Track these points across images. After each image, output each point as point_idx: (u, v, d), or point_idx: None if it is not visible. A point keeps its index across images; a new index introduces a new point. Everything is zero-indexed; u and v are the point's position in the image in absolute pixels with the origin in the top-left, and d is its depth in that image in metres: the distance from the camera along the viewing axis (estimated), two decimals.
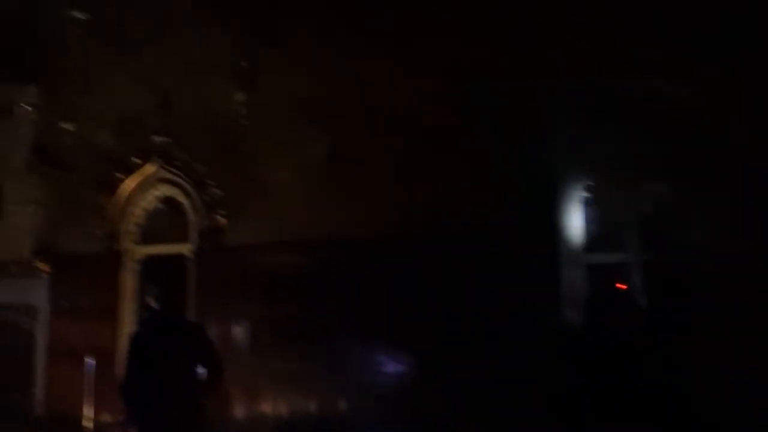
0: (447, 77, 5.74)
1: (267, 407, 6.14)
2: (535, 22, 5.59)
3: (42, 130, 7.01)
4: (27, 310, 7.05)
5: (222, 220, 6.40)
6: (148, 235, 6.88)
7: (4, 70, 7.00)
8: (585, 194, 5.58)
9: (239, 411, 6.22)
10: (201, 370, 4.39)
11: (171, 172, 6.68)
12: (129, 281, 6.74)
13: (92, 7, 7.02)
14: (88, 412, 6.43)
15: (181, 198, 6.65)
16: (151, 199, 6.81)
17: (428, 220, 5.65)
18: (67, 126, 6.90)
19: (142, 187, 6.77)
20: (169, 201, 6.78)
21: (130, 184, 6.77)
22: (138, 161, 6.75)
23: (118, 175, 6.76)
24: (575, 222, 5.56)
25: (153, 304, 4.50)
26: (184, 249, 6.59)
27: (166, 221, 6.77)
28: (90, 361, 6.45)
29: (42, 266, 6.97)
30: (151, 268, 6.69)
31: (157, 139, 6.68)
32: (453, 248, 5.60)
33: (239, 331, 6.39)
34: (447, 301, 5.46)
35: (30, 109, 7.03)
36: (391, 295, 5.64)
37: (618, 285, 5.25)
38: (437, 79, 5.76)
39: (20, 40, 7.10)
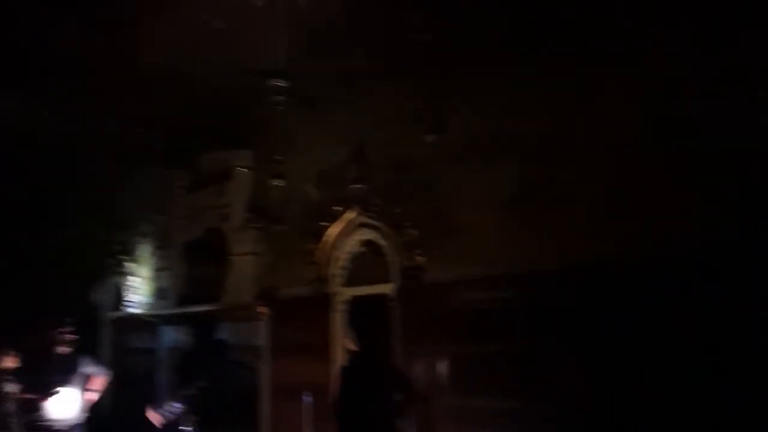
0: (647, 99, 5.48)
1: None
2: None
3: (256, 188, 7.85)
4: (251, 350, 7.81)
5: (420, 259, 6.62)
6: (353, 278, 7.29)
7: (223, 139, 7.97)
8: None
9: None
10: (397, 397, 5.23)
11: (369, 217, 7.08)
12: (338, 321, 7.19)
13: (290, 76, 7.79)
14: None
15: (381, 240, 7.00)
16: (353, 243, 7.24)
17: (636, 248, 5.32)
18: (277, 183, 7.63)
19: (345, 232, 7.23)
20: (370, 244, 7.15)
21: (334, 231, 7.26)
22: (339, 209, 7.25)
23: (323, 223, 7.31)
24: None
25: (353, 345, 5.50)
26: (387, 289, 6.89)
27: (368, 263, 7.15)
28: (307, 396, 6.91)
29: (262, 309, 7.71)
30: (351, 313, 7.02)
31: (355, 187, 7.14)
32: (671, 276, 5.18)
33: (443, 368, 6.51)
34: (674, 331, 5.06)
35: (246, 171, 7.92)
36: (603, 327, 5.39)
37: None
38: (632, 103, 5.53)
39: (232, 112, 8.06)
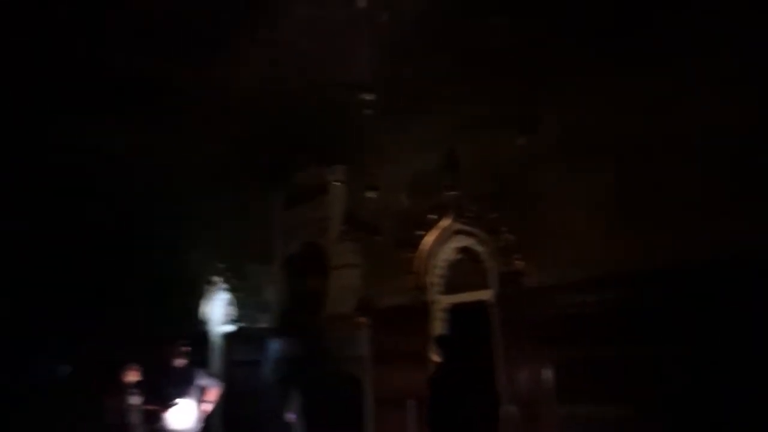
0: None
1: None
2: None
3: (351, 201, 8.02)
4: (354, 360, 7.93)
5: (519, 264, 6.52)
6: (451, 285, 7.26)
7: (317, 155, 8.20)
8: None
9: None
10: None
11: (464, 223, 7.05)
12: (438, 329, 7.16)
13: (377, 88, 7.91)
14: None
15: (477, 246, 6.95)
16: (449, 250, 7.21)
17: (740, 246, 5.03)
18: (370, 194, 7.76)
19: (441, 240, 7.22)
20: (466, 251, 7.11)
21: (429, 239, 7.27)
22: (434, 217, 7.26)
23: (418, 232, 7.35)
24: None
25: (440, 356, 5.93)
26: (486, 295, 6.83)
27: (466, 270, 7.11)
28: (412, 403, 6.92)
29: (362, 319, 7.82)
30: (439, 335, 6.96)
31: (448, 194, 7.14)
32: None
33: (547, 375, 6.36)
34: None
35: (340, 184, 8.11)
36: (710, 328, 5.13)
37: None
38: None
39: (324, 128, 8.28)
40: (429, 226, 7.29)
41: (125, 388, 6.55)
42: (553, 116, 6.47)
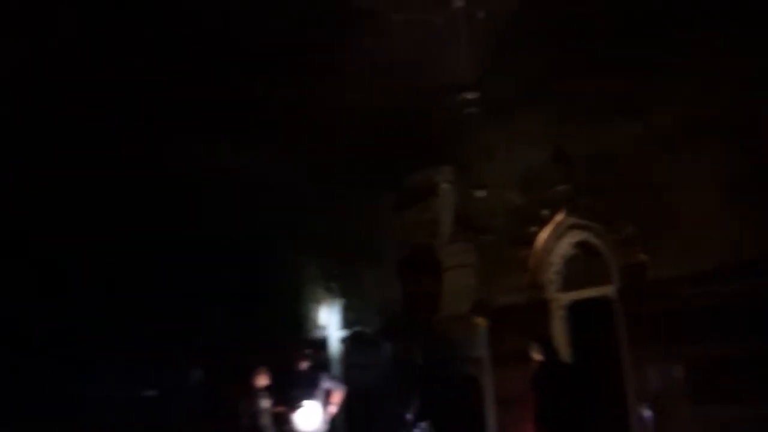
0: None
1: None
2: None
3: (461, 201, 8.00)
4: (472, 361, 7.88)
5: (642, 256, 6.26)
6: (569, 281, 7.08)
7: (424, 158, 8.25)
8: None
9: None
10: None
11: (579, 217, 6.86)
12: (558, 327, 7.01)
13: (479, 86, 7.85)
14: None
15: (595, 240, 6.74)
16: (565, 246, 7.04)
17: None
18: (480, 193, 7.71)
19: (556, 236, 7.06)
20: (583, 245, 6.91)
21: (543, 235, 7.13)
22: (546, 213, 7.11)
23: (531, 228, 7.22)
24: None
25: (539, 356, 6.12)
26: (608, 290, 6.60)
27: (584, 265, 6.91)
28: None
29: (479, 320, 7.77)
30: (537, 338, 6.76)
31: (560, 188, 6.98)
32: None
33: (679, 373, 6.05)
34: None
35: (448, 185, 8.12)
36: None
37: None
38: None
39: (431, 131, 8.31)
40: (542, 222, 7.15)
41: (256, 392, 6.88)
42: (667, 100, 6.16)
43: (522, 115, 7.38)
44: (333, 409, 7.29)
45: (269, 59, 7.42)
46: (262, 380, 6.98)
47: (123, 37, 6.96)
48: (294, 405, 6.94)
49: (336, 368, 9.55)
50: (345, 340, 10.25)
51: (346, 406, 8.40)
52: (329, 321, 10.51)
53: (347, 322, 10.21)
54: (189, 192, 9.66)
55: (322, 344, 9.43)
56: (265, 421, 6.93)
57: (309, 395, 6.99)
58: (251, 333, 9.65)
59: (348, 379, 7.87)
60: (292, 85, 7.82)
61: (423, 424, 7.27)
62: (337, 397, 7.27)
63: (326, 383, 7.23)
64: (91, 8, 6.60)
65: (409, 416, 7.30)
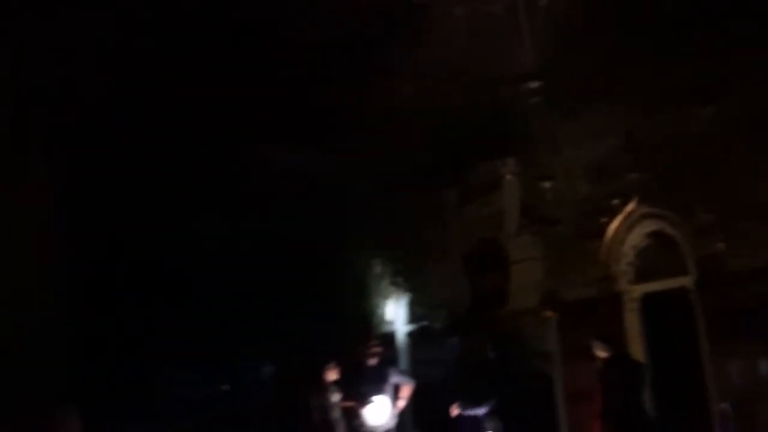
0: None
1: None
2: None
3: (527, 192, 7.86)
4: (542, 356, 7.74)
5: (720, 246, 5.98)
6: (643, 273, 6.85)
7: (487, 150, 8.15)
8: None
9: None
10: None
11: (652, 206, 6.62)
12: (631, 321, 6.80)
13: (542, 75, 7.68)
14: None
15: (669, 230, 6.49)
16: (638, 236, 6.81)
17: None
18: (546, 184, 7.56)
19: (627, 226, 6.84)
20: (657, 235, 6.68)
21: (614, 226, 6.92)
22: (617, 202, 6.90)
23: (601, 219, 7.02)
24: None
25: (604, 353, 6.04)
26: (685, 281, 6.35)
27: (658, 256, 6.68)
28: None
29: (548, 314, 7.62)
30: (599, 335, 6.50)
31: (631, 176, 6.75)
32: None
33: (763, 367, 5.76)
34: None
35: (513, 177, 7.99)
36: None
37: None
38: None
39: (493, 123, 8.19)
40: (613, 212, 6.93)
41: (327, 387, 6.97)
42: (742, 84, 5.86)
43: (588, 103, 7.19)
44: (402, 403, 7.30)
45: (330, 60, 7.50)
46: (332, 375, 7.05)
47: (202, 47, 7.20)
48: (364, 400, 6.99)
49: (403, 363, 9.57)
50: (411, 336, 10.27)
51: (414, 401, 8.41)
52: (396, 316, 10.56)
53: (414, 318, 10.21)
54: (260, 194, 9.92)
55: (389, 340, 9.46)
56: (336, 415, 7.00)
57: (378, 390, 7.03)
58: (321, 330, 9.79)
59: (414, 374, 7.86)
60: (352, 84, 7.88)
61: (492, 420, 7.21)
62: (406, 391, 7.28)
63: (395, 378, 7.25)
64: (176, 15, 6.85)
65: (477, 412, 7.25)
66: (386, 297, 10.48)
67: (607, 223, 6.95)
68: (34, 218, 7.61)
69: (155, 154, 8.48)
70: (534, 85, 7.68)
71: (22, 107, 7.50)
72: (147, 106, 7.73)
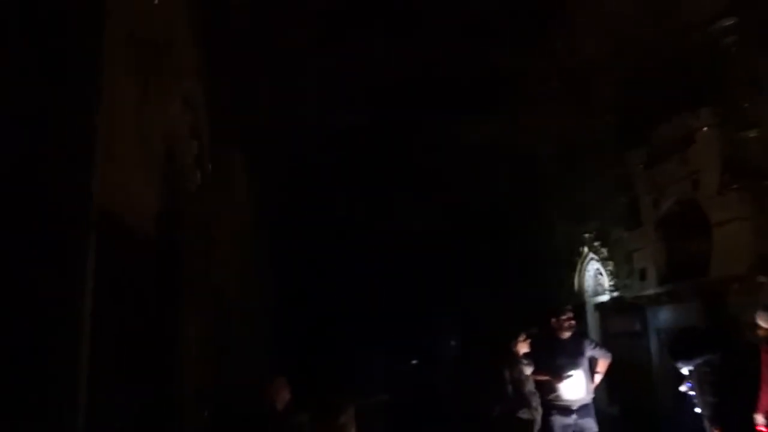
0: None
1: None
2: None
3: (727, 145, 7.06)
4: (754, 327, 6.96)
5: None
6: None
7: (676, 103, 7.46)
8: None
9: None
10: None
11: None
12: None
13: (736, 11, 6.85)
14: None
15: None
16: None
17: None
18: (751, 134, 6.75)
19: None
20: None
21: None
22: None
23: None
24: None
25: None
26: None
27: None
28: None
29: (762, 279, 6.81)
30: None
31: None
32: None
33: None
34: None
35: (710, 129, 7.22)
36: None
37: None
38: None
39: (681, 72, 7.48)
40: None
41: (519, 360, 6.88)
42: None
43: None
44: (598, 378, 7.01)
45: (505, 27, 7.35)
46: (523, 348, 6.93)
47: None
48: (560, 374, 6.79)
49: (594, 336, 9.20)
50: (602, 307, 9.83)
51: (610, 376, 8.04)
52: (584, 288, 10.18)
53: (604, 289, 9.78)
54: (448, 169, 10.12)
55: (579, 311, 9.12)
56: (530, 387, 6.87)
57: (574, 364, 6.79)
58: (509, 302, 9.75)
59: (607, 347, 7.46)
60: (531, 50, 7.68)
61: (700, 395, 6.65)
62: (603, 365, 6.97)
63: (591, 351, 6.96)
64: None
65: (683, 388, 6.73)
66: (575, 268, 10.13)
67: None
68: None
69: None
70: (728, 22, 6.90)
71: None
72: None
